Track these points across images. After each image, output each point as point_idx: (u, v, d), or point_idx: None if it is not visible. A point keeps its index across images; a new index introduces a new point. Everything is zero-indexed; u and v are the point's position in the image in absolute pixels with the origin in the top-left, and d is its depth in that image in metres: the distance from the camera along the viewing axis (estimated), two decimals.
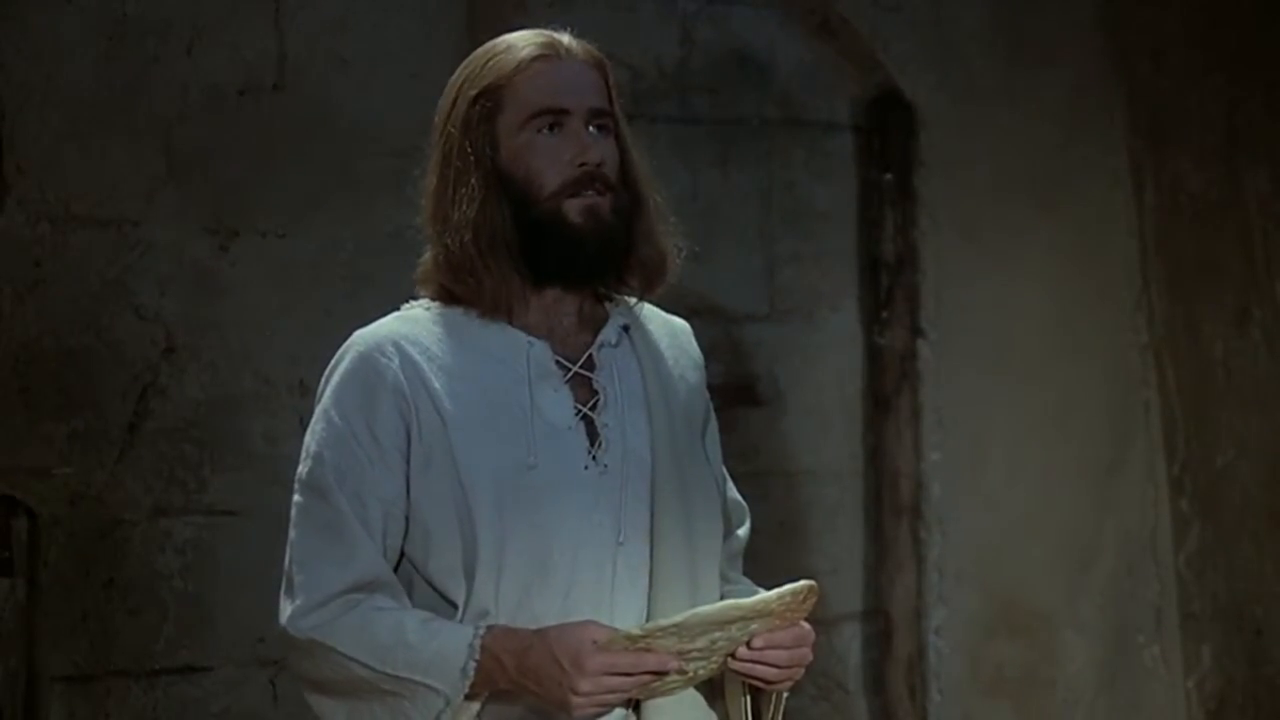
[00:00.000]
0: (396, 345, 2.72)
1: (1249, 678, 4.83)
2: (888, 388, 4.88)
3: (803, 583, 2.60)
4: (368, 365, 2.72)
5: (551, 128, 2.71)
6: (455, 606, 2.66)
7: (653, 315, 2.86)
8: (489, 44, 2.77)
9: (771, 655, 2.60)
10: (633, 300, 2.81)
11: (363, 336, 2.75)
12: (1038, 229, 4.95)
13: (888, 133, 4.90)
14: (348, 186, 4.33)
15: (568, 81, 2.71)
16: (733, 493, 2.91)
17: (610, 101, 2.75)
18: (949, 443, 4.86)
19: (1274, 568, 4.76)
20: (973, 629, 4.85)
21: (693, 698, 2.69)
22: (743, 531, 2.91)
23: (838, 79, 4.91)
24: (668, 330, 2.87)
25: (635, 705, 2.65)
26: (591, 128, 2.71)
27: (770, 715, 2.73)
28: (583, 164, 2.69)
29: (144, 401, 4.26)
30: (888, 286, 4.90)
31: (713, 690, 2.72)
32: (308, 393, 4.23)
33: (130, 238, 4.27)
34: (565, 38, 2.75)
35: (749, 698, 2.71)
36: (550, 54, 2.72)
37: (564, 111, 2.71)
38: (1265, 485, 4.76)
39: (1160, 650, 5.00)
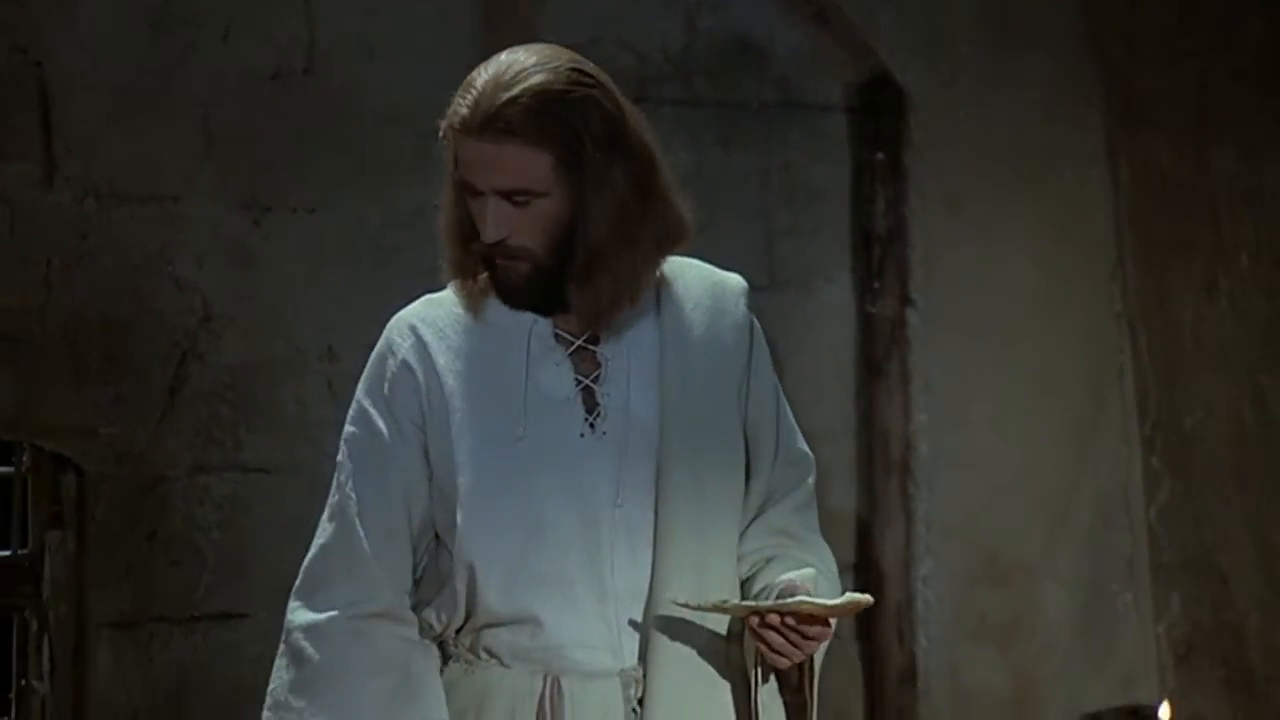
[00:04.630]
0: (413, 328, 2.77)
1: (1215, 623, 4.84)
2: (879, 353, 4.90)
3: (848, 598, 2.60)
4: (387, 348, 2.78)
5: (469, 192, 2.66)
6: (465, 565, 2.69)
7: (699, 276, 2.83)
8: (483, 67, 2.65)
9: (787, 633, 2.59)
10: (661, 269, 2.77)
11: (391, 322, 2.80)
12: (1020, 204, 4.96)
13: (879, 114, 4.91)
14: (373, 165, 4.35)
15: (480, 162, 2.62)
16: (799, 445, 2.85)
17: (545, 170, 2.61)
18: (936, 405, 4.87)
19: (1238, 521, 4.77)
20: (958, 579, 4.86)
21: (701, 674, 2.70)
22: (810, 482, 2.85)
23: (832, 64, 4.92)
24: (712, 292, 2.83)
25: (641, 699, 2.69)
26: (505, 201, 2.63)
27: (808, 681, 2.72)
28: (477, 242, 2.67)
29: (183, 367, 4.30)
30: (879, 258, 4.91)
31: (728, 649, 2.72)
32: (336, 359, 4.30)
33: (170, 213, 4.32)
34: (499, 99, 2.59)
35: (759, 669, 2.70)
36: (466, 130, 2.61)
37: (474, 189, 2.65)
38: (1230, 444, 4.78)
39: (1133, 598, 5.01)
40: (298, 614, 2.74)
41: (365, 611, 2.71)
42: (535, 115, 2.60)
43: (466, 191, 2.67)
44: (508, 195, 2.64)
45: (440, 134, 2.66)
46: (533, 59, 2.65)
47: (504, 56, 2.66)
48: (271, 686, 2.74)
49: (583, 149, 2.62)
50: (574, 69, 2.66)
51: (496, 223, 2.64)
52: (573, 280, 2.68)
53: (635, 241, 2.68)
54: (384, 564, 2.73)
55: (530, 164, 2.61)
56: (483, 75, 2.63)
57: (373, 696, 2.68)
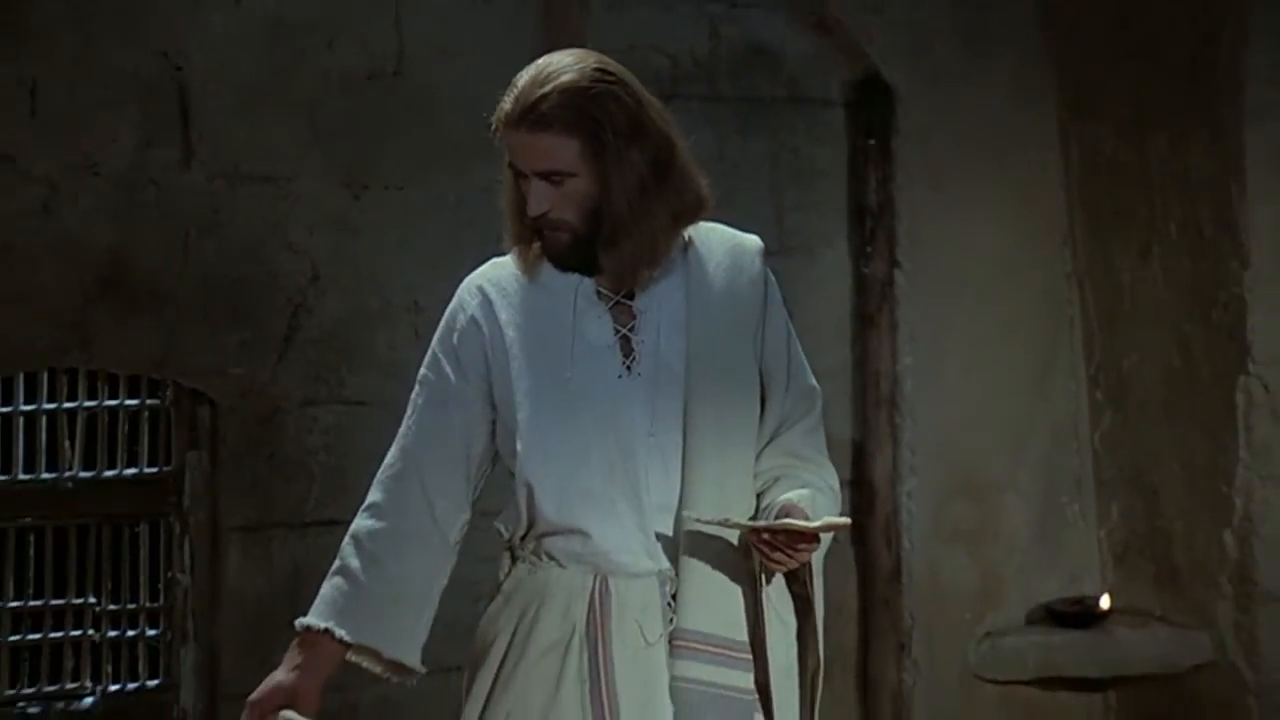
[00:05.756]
0: (480, 288, 2.77)
1: (1147, 529, 4.82)
2: (871, 307, 4.87)
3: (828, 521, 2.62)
4: (458, 304, 2.79)
5: (518, 175, 2.66)
6: (525, 485, 2.69)
7: (721, 239, 2.79)
8: (524, 70, 2.64)
9: (780, 548, 2.59)
10: (688, 234, 2.75)
11: (464, 282, 2.81)
12: (989, 183, 4.91)
13: (872, 108, 4.86)
14: (450, 151, 4.32)
15: (521, 149, 2.62)
16: (808, 380, 2.81)
17: (575, 155, 2.59)
18: (918, 350, 4.84)
19: (1167, 445, 4.74)
20: (936, 494, 4.84)
21: (722, 584, 2.69)
22: (817, 411, 2.81)
23: (833, 66, 4.88)
24: (732, 252, 2.79)
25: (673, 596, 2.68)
26: (544, 181, 2.62)
27: (809, 580, 2.72)
28: (527, 216, 2.66)
29: (296, 318, 4.30)
30: (871, 228, 4.88)
31: (741, 556, 2.70)
32: (421, 310, 4.29)
33: (285, 190, 4.30)
34: (534, 95, 2.58)
35: (763, 576, 2.70)
36: (509, 124, 2.61)
37: (519, 171, 2.65)
38: (1160, 382, 4.75)
39: (1079, 508, 4.99)
40: (355, 520, 2.75)
41: (401, 529, 2.71)
42: (563, 109, 2.58)
43: (516, 174, 2.66)
44: (545, 176, 2.62)
45: (492, 126, 2.64)
46: (565, 61, 2.64)
47: (542, 60, 2.66)
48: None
49: (605, 136, 2.60)
50: (598, 69, 2.64)
51: (537, 200, 2.64)
52: (602, 246, 2.66)
53: (653, 214, 2.66)
54: (433, 489, 2.73)
55: (561, 150, 2.60)
56: (523, 77, 2.63)
57: (390, 602, 2.71)
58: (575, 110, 2.58)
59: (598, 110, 2.60)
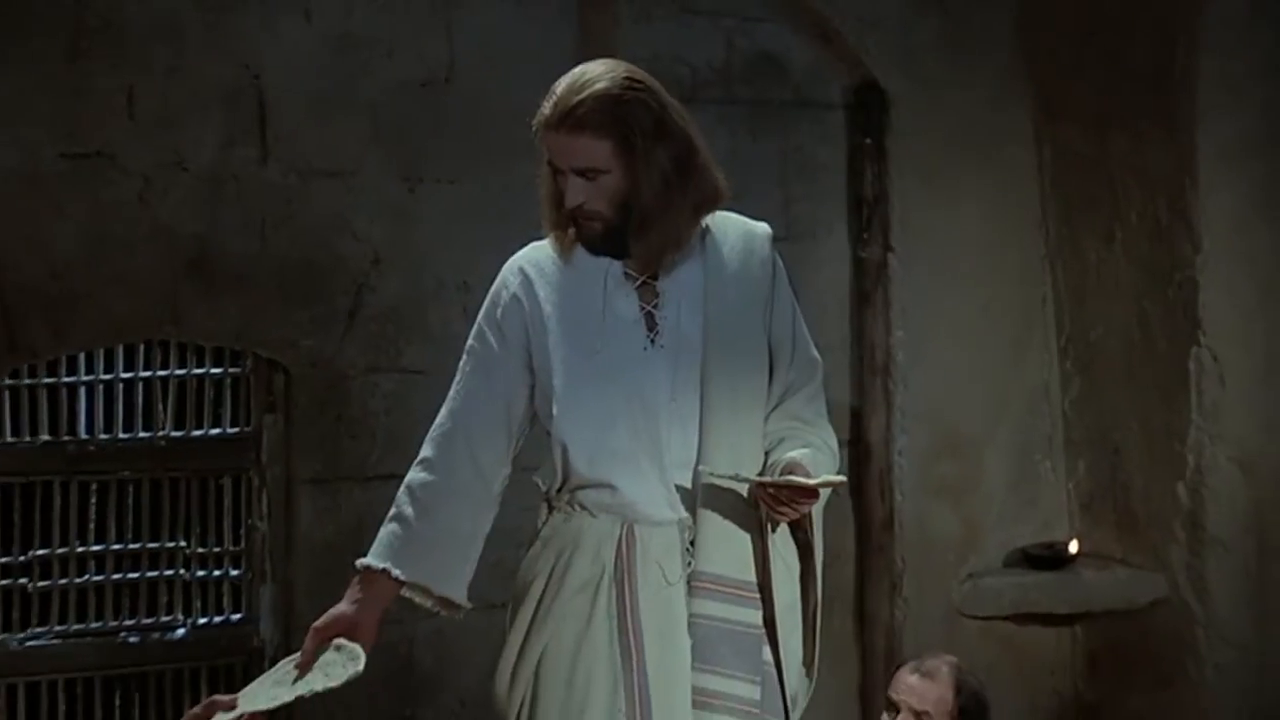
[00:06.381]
0: (521, 269, 2.80)
1: (1110, 482, 4.81)
2: (868, 287, 4.83)
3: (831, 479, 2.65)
4: (502, 283, 2.81)
5: (556, 171, 2.69)
6: (560, 444, 2.71)
7: (734, 225, 2.80)
8: (562, 78, 2.66)
9: (784, 501, 2.61)
10: (706, 222, 2.76)
11: (507, 264, 2.83)
12: (972, 176, 4.87)
13: (868, 110, 4.83)
14: (496, 149, 4.27)
15: (559, 149, 2.64)
16: (811, 352, 2.82)
17: (607, 154, 2.60)
18: (910, 325, 4.80)
19: (1127, 408, 4.73)
20: (925, 452, 4.81)
21: (738, 535, 2.71)
22: (818, 379, 2.84)
23: (834, 73, 4.85)
24: (744, 237, 2.79)
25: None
26: (579, 177, 2.63)
27: (810, 528, 2.74)
28: (565, 207, 2.68)
29: (359, 296, 4.28)
30: (868, 217, 4.84)
31: (749, 507, 2.72)
32: (469, 290, 4.30)
33: (350, 184, 4.28)
34: (571, 101, 2.60)
35: (769, 525, 2.71)
36: (548, 126, 2.63)
37: (557, 168, 2.67)
38: (1122, 353, 4.73)
39: (1051, 465, 4.97)
40: (409, 473, 2.78)
41: (450, 481, 2.73)
42: (597, 113, 2.61)
43: (554, 170, 2.65)
44: (581, 173, 2.65)
45: (533, 128, 2.65)
46: (598, 70, 2.66)
47: (577, 69, 2.67)
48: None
49: (634, 138, 2.62)
50: (627, 77, 2.66)
51: (574, 194, 2.67)
52: (631, 234, 2.68)
53: (676, 205, 2.68)
54: (478, 446, 2.75)
55: (595, 150, 2.63)
56: (561, 84, 2.66)
57: (440, 545, 2.73)
58: (608, 115, 2.61)
59: (628, 114, 2.62)
